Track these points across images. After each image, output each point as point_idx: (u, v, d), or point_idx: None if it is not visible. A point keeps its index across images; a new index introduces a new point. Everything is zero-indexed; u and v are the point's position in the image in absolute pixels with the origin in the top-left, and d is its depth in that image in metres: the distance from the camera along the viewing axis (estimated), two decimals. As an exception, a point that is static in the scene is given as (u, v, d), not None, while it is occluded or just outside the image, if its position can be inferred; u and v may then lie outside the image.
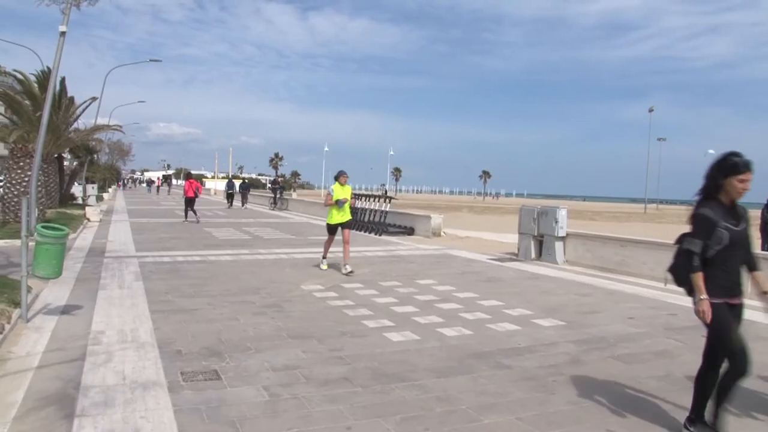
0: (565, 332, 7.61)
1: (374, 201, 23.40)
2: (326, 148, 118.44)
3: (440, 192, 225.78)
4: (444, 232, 21.42)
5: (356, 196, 24.92)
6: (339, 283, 10.74)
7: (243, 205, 40.45)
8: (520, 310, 8.83)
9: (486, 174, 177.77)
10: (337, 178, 12.39)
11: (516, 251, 16.03)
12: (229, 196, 39.78)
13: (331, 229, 12.54)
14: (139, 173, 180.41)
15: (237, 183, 44.94)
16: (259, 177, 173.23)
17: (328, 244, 12.72)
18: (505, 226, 31.11)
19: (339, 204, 12.13)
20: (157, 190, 70.72)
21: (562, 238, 14.85)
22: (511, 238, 19.30)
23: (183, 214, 26.66)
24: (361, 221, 22.96)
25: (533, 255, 15.27)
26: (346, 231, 12.27)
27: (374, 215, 22.62)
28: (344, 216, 12.32)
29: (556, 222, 14.80)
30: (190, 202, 25.77)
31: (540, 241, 15.25)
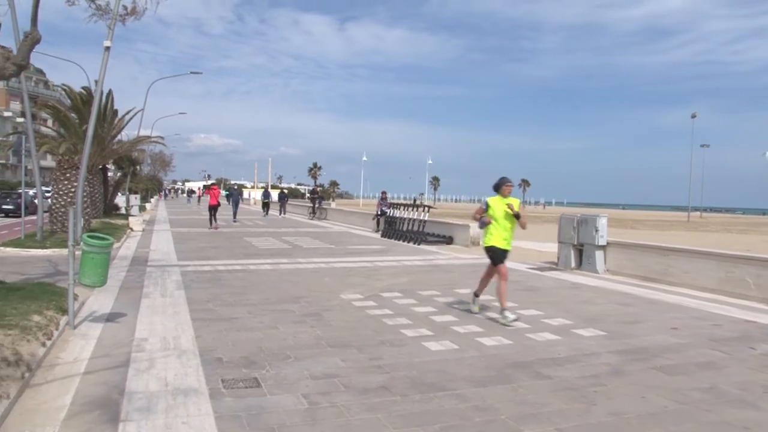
0: (606, 342, 7.49)
1: (412, 210, 23.39)
2: (365, 158, 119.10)
3: (479, 201, 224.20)
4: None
5: (394, 206, 25.01)
6: (378, 293, 10.76)
7: (281, 214, 41.87)
8: (559, 320, 8.72)
9: (525, 182, 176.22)
10: (498, 188, 8.90)
11: (556, 260, 15.84)
12: (265, 205, 41.48)
13: (496, 256, 8.88)
14: (180, 183, 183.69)
15: (274, 193, 45.83)
16: (298, 187, 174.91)
17: (487, 277, 9.22)
18: (543, 234, 30.74)
19: (482, 223, 8.92)
20: (198, 201, 72.02)
21: (603, 247, 14.62)
22: (551, 247, 19.09)
23: (224, 224, 27.75)
24: (399, 230, 23.00)
25: (573, 264, 15.06)
26: (503, 265, 8.83)
27: (413, 224, 22.59)
28: (508, 238, 8.92)
29: (597, 230, 14.58)
30: (212, 209, 27.72)
31: (580, 250, 15.04)
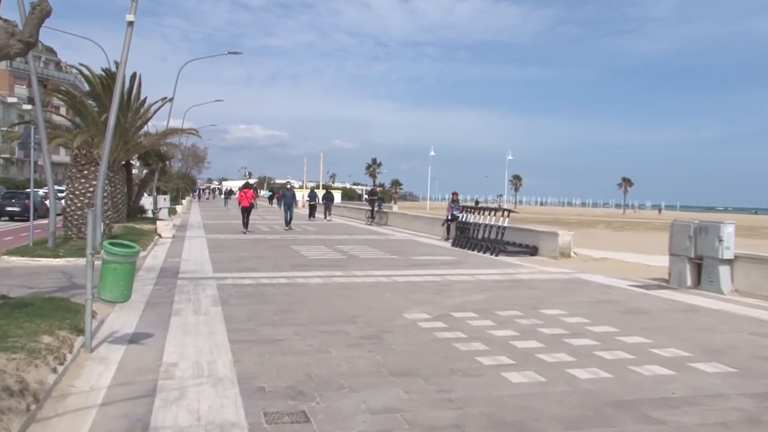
0: (736, 381, 7.25)
1: (489, 215, 23.28)
2: (432, 153, 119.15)
3: (569, 204, 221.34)
4: (574, 253, 20.99)
5: (467, 210, 24.94)
6: (448, 312, 10.76)
7: (326, 218, 43.10)
8: (672, 350, 8.51)
9: (626, 182, 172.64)
10: None
11: (666, 277, 15.48)
12: (311, 208, 42.05)
13: None
14: (216, 183, 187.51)
15: (321, 194, 46.69)
16: (354, 187, 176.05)
17: None
18: (651, 245, 30.11)
19: None
20: (239, 204, 73.98)
21: (729, 262, 14.19)
22: (660, 261, 18.64)
23: (269, 229, 28.66)
24: (473, 239, 22.96)
25: (689, 282, 14.68)
26: None
27: (489, 231, 22.49)
28: None
29: (721, 241, 14.16)
30: (245, 212, 29.72)
31: (698, 265, 14.64)
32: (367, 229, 34.07)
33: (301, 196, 71.22)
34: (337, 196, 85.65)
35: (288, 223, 32.70)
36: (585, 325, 9.91)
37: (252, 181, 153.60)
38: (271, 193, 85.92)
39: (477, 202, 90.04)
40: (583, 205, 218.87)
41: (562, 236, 20.80)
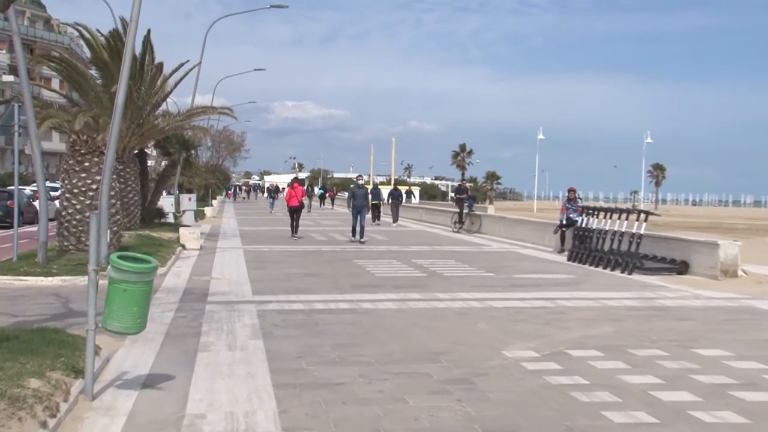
0: None
1: (619, 219, 22.91)
2: (541, 136, 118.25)
3: (735, 203, 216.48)
4: (743, 271, 20.42)
5: (589, 211, 24.65)
6: (563, 349, 10.69)
7: (394, 222, 44.12)
8: None
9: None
10: None
11: None
12: (375, 208, 42.40)
13: None
14: (257, 177, 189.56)
15: (385, 190, 47.15)
16: (436, 182, 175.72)
17: None
18: None
19: None
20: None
21: None
22: None
23: (324, 238, 29.51)
24: (597, 250, 22.64)
25: None
26: None
27: (620, 241, 22.14)
28: None
29: None
30: (294, 213, 31.64)
31: None
32: (454, 238, 34.11)
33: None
34: (415, 193, 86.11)
35: (356, 233, 31.07)
36: (762, 373, 9.68)
37: (302, 175, 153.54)
38: (322, 191, 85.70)
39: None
40: (757, 204, 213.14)
41: (724, 248, 20.28)
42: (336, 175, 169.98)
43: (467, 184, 46.01)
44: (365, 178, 45.49)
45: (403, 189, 54.87)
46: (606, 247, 22.57)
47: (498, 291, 16.83)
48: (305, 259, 23.39)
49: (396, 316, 13.32)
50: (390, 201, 46.09)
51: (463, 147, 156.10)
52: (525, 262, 23.46)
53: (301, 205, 32.99)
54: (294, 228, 31.82)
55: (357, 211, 31.25)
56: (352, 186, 36.51)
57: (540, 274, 20.49)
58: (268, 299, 14.97)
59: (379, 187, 48.40)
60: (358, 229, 30.89)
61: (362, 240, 30.56)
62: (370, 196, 41.94)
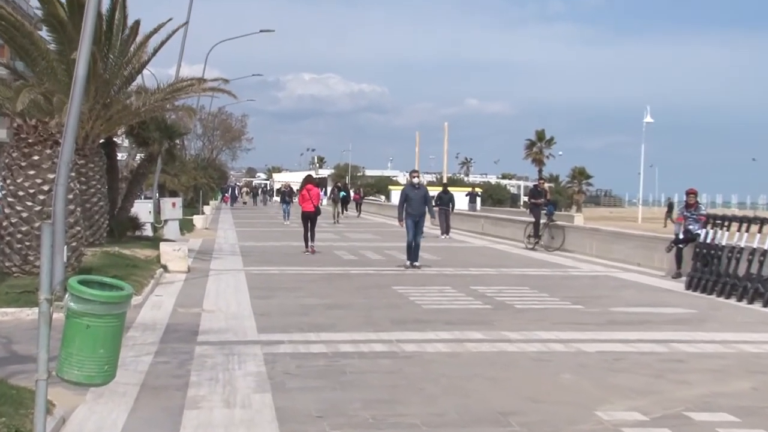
0: None
1: (759, 231, 22.44)
2: (648, 119, 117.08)
3: None
4: None
5: (716, 221, 24.15)
6: (681, 410, 10.49)
7: (442, 234, 44.43)
8: None
9: None
10: None
11: None
12: (442, 216, 42.45)
13: None
14: (263, 176, 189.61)
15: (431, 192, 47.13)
16: (504, 181, 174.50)
17: None
18: None
19: None
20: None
21: None
22: None
23: (354, 257, 29.80)
24: (728, 275, 22.06)
25: None
26: None
27: (760, 263, 21.68)
28: None
29: None
30: (308, 220, 32.73)
31: None
32: (528, 257, 33.80)
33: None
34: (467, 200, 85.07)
35: (411, 253, 28.89)
36: None
37: (325, 172, 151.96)
38: (344, 192, 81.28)
39: (720, 219, 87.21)
40: None
41: None
42: (369, 173, 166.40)
43: (546, 185, 45.30)
44: (400, 175, 44.98)
45: (458, 191, 54.32)
46: (741, 271, 22.11)
47: (590, 330, 16.52)
48: (328, 284, 23.27)
49: (450, 363, 13.13)
50: (439, 206, 44.63)
51: (540, 135, 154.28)
52: (627, 291, 23.11)
53: (317, 211, 33.89)
54: (308, 239, 32.54)
55: (414, 222, 29.02)
56: (405, 186, 35.39)
57: (648, 307, 20.11)
58: (279, 339, 14.81)
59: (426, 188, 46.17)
60: (413, 241, 28.73)
61: (416, 264, 28.58)
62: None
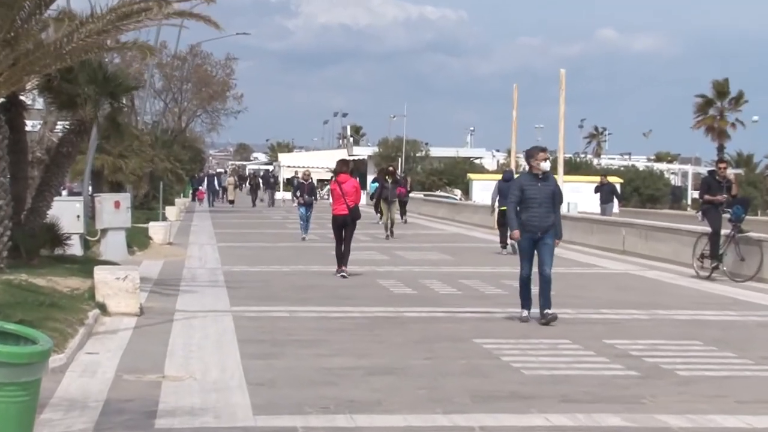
0: None
1: None
2: None
3: None
4: None
5: None
6: None
7: (505, 248, 36.72)
8: None
9: None
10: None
11: None
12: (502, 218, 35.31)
13: None
14: (263, 159, 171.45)
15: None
16: (658, 165, 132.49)
17: None
18: None
19: None
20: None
21: None
22: None
23: (410, 289, 25.74)
24: None
25: None
26: None
27: None
28: None
29: None
30: (341, 228, 27.36)
31: None
32: (701, 292, 26.88)
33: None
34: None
35: (528, 294, 20.37)
36: None
37: (365, 151, 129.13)
38: (375, 183, 64.02)
39: None
40: None
41: None
42: (435, 152, 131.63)
43: (730, 172, 34.91)
44: (487, 158, 38.07)
45: (581, 182, 47.51)
46: None
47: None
48: (369, 335, 18.35)
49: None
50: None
51: (720, 88, 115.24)
52: None
53: (354, 214, 27.64)
54: (342, 257, 27.20)
55: (533, 240, 20.18)
56: (521, 176, 25.29)
57: None
58: (289, 425, 10.91)
59: (514, 176, 36.25)
60: (546, 274, 19.97)
61: (549, 312, 19.65)
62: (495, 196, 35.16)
